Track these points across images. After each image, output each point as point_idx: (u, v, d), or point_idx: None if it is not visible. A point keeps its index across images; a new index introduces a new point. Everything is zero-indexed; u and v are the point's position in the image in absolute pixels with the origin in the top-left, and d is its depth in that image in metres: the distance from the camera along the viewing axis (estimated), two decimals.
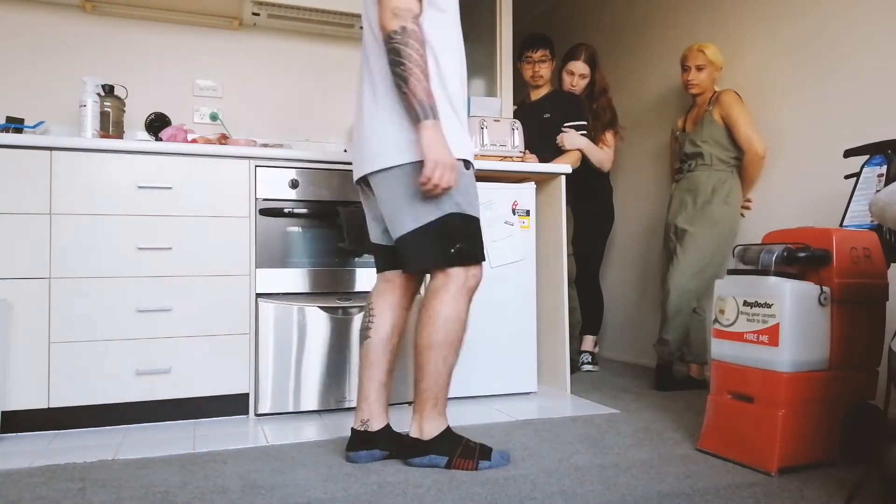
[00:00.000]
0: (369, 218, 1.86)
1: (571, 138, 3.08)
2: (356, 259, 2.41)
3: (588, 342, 3.35)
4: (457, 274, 1.66)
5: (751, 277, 1.78)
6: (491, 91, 3.46)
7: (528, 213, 2.63)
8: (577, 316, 3.29)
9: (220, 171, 2.27)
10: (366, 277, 2.42)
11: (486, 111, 2.73)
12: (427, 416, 1.68)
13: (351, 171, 1.82)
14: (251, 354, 2.28)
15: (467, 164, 1.70)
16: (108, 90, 2.49)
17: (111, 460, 1.78)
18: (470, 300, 1.69)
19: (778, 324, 1.68)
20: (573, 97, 3.21)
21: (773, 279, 1.72)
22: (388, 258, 1.82)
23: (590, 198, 3.27)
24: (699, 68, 2.85)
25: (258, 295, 2.29)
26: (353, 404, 2.37)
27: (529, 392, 2.63)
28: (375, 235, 1.85)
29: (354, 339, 2.39)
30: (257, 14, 2.82)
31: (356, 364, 2.38)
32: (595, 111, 3.24)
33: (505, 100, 3.38)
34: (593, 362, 3.30)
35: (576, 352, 3.25)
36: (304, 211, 2.34)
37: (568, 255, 2.83)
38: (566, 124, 3.11)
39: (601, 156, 3.20)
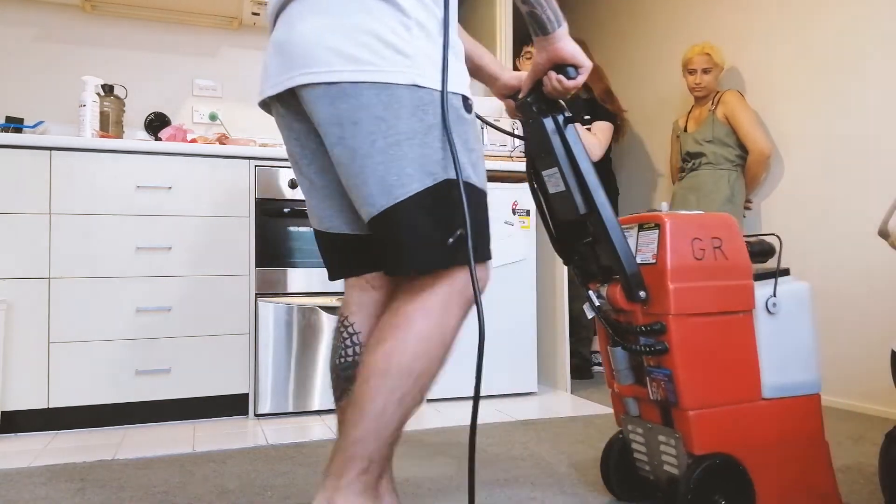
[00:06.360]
0: (313, 182, 1.17)
1: None
2: None
3: None
4: (456, 276, 1.06)
5: None
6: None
7: (528, 212, 2.62)
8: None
9: (220, 170, 2.27)
10: None
11: (486, 111, 2.72)
12: (347, 488, 1.02)
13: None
14: (251, 354, 2.28)
15: (467, 101, 1.08)
16: (108, 90, 2.49)
17: (111, 460, 1.78)
18: (465, 315, 1.10)
19: None
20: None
21: None
22: (352, 253, 1.20)
23: None
24: (706, 71, 2.84)
25: (258, 295, 2.29)
26: None
27: (529, 392, 2.63)
28: (329, 216, 1.17)
29: None
30: (257, 14, 2.82)
31: None
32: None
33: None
34: None
35: (584, 354, 3.15)
36: (303, 210, 2.34)
37: None
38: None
39: (586, 142, 3.12)
